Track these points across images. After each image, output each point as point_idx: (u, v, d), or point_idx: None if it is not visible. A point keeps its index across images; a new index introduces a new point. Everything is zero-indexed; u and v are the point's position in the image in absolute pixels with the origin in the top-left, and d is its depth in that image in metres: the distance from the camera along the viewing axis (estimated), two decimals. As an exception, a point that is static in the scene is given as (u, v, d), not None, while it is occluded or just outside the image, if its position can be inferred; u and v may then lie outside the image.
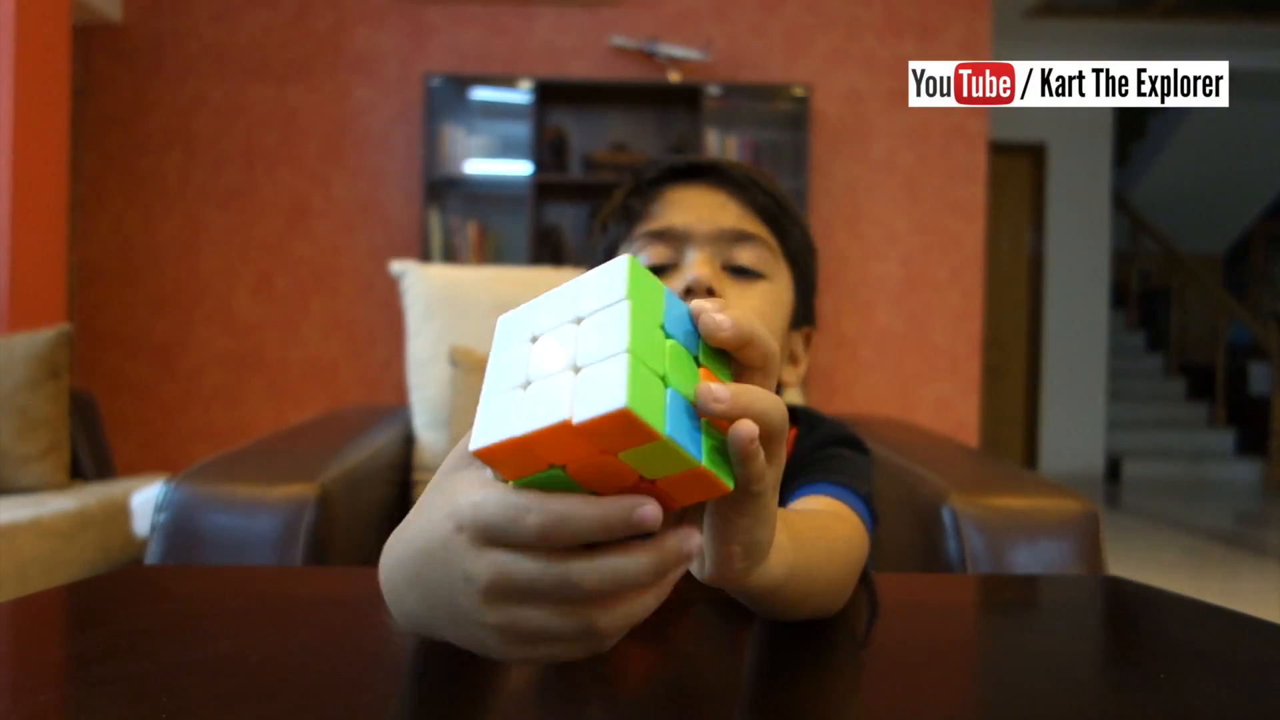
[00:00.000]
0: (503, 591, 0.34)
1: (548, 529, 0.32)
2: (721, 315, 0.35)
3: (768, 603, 0.49)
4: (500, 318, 0.37)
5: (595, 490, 0.33)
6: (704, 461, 0.32)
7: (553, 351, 0.33)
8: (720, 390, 0.33)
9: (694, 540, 0.33)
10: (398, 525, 0.44)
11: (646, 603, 0.34)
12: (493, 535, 0.33)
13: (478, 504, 0.33)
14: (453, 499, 0.35)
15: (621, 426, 0.30)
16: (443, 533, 0.36)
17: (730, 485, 0.34)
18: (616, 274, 0.33)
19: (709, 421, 0.33)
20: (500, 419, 0.33)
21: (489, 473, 0.35)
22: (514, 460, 0.33)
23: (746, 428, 0.33)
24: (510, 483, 0.34)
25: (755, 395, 0.34)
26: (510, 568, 0.33)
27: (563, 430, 0.31)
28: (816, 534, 0.53)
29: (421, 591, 0.39)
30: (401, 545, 0.41)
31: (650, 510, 0.31)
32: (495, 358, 0.36)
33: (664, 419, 0.31)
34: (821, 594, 0.53)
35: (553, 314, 0.35)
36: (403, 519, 0.44)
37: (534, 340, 0.35)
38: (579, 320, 0.33)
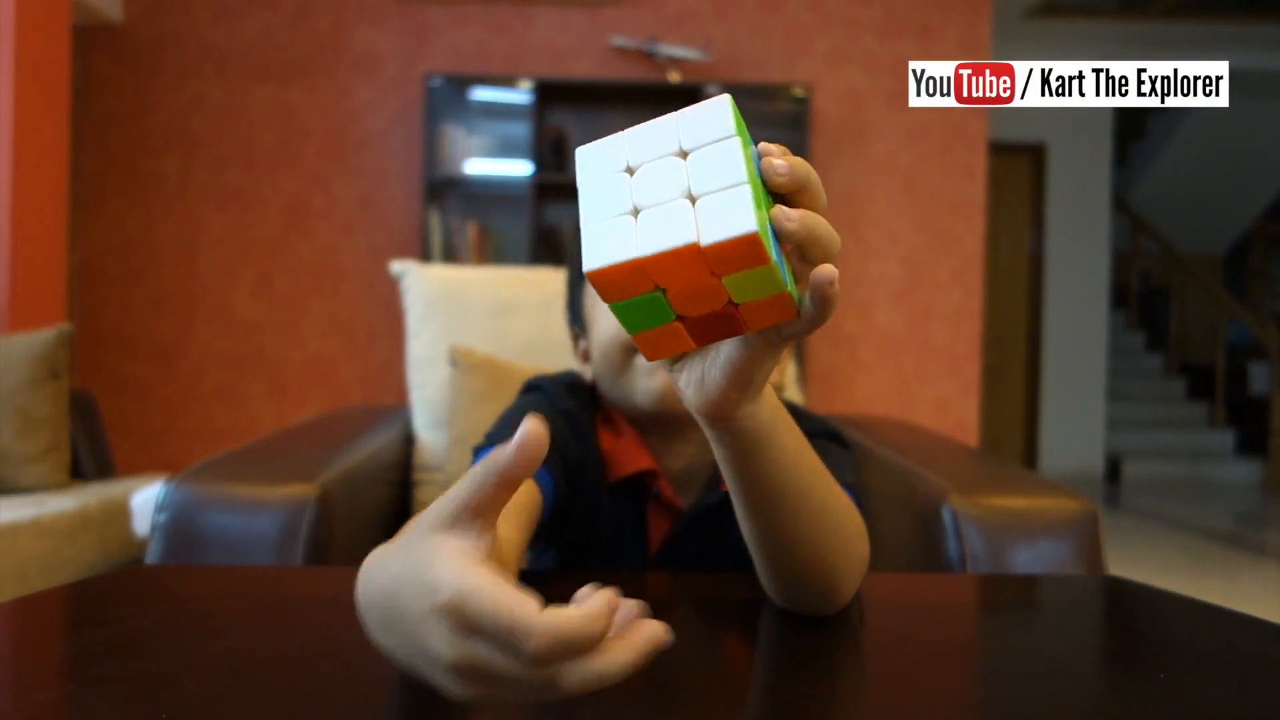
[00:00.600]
0: (474, 675, 0.33)
1: (542, 653, 0.30)
2: (780, 160, 0.37)
3: (760, 493, 0.49)
4: (579, 151, 0.38)
5: (684, 313, 0.36)
6: (789, 288, 0.36)
7: (659, 181, 0.35)
8: (792, 211, 0.36)
9: (669, 636, 0.33)
10: (391, 535, 0.43)
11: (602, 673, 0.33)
12: (477, 630, 0.31)
13: (465, 595, 0.31)
14: (435, 572, 0.33)
15: (744, 250, 0.33)
16: (420, 607, 0.34)
17: (798, 313, 0.38)
18: (721, 111, 0.36)
19: (785, 253, 0.37)
20: (612, 243, 0.35)
21: (474, 542, 0.35)
22: (623, 282, 0.35)
23: (828, 271, 0.36)
24: (609, 304, 0.36)
25: (820, 220, 0.37)
26: (489, 663, 0.32)
27: (687, 253, 0.33)
28: (821, 472, 0.53)
29: (389, 638, 0.38)
30: (378, 588, 0.39)
31: (663, 634, 0.33)
32: (586, 188, 0.37)
33: (770, 245, 0.34)
34: (820, 534, 0.52)
35: (648, 148, 0.36)
36: (402, 524, 0.43)
37: (630, 171, 0.36)
38: (684, 153, 0.35)
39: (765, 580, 0.57)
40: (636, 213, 0.35)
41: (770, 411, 0.47)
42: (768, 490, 0.50)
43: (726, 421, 0.45)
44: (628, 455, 0.76)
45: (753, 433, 0.46)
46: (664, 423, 0.77)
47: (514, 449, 0.34)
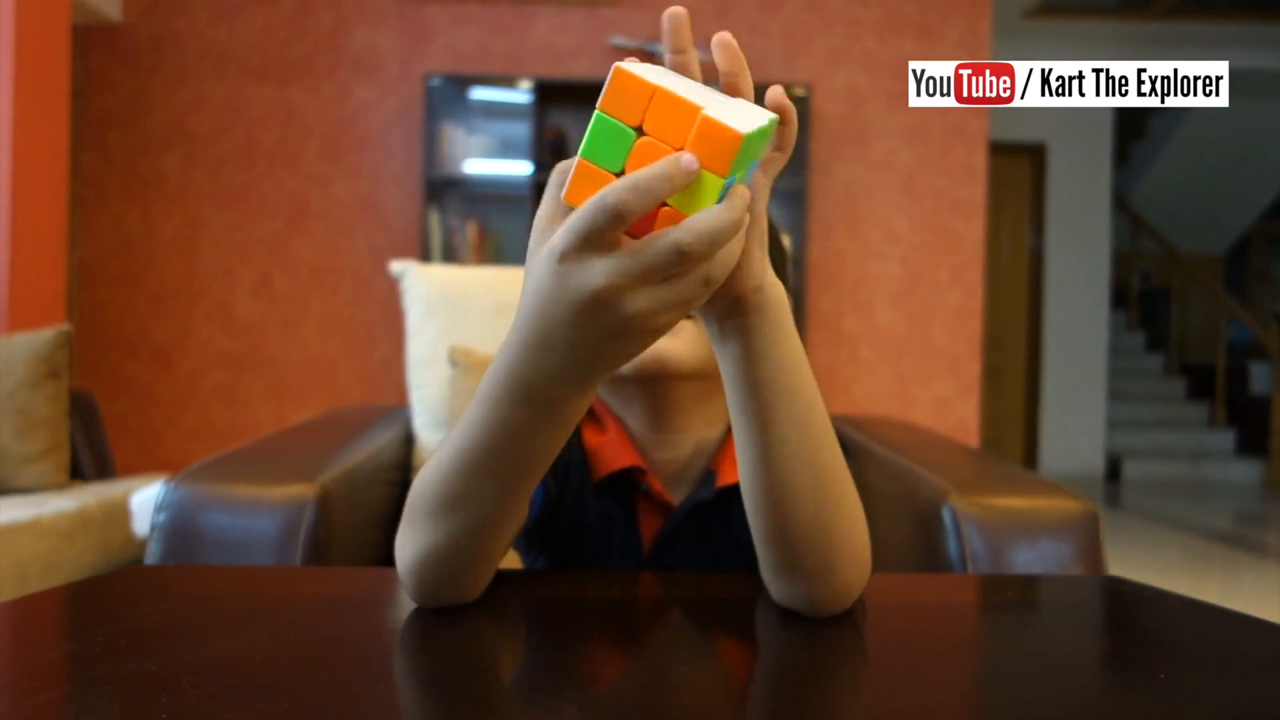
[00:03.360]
0: (626, 285, 0.40)
1: (625, 199, 0.38)
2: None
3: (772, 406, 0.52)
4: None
5: (626, 171, 0.41)
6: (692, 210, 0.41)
7: (691, 88, 0.43)
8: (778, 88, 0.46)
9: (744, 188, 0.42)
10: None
11: (736, 247, 0.43)
12: (590, 237, 0.39)
13: (562, 230, 0.40)
14: (542, 252, 0.42)
15: (725, 144, 0.39)
16: (547, 272, 0.41)
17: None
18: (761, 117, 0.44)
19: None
20: (642, 70, 0.40)
21: (560, 214, 0.43)
22: (628, 98, 0.40)
23: (786, 101, 0.45)
24: (599, 110, 0.40)
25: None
26: (623, 262, 0.40)
27: (688, 110, 0.39)
28: (819, 400, 0.55)
29: (556, 346, 0.43)
30: (516, 332, 0.45)
31: (688, 158, 0.39)
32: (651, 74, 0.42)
33: (726, 181, 0.41)
34: (821, 468, 0.54)
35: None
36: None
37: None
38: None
39: (763, 549, 0.56)
40: (722, 107, 0.41)
41: (783, 293, 0.52)
42: (780, 383, 0.52)
43: (759, 293, 0.49)
44: (613, 452, 0.75)
45: (776, 304, 0.50)
46: (651, 408, 0.75)
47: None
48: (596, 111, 0.40)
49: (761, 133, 0.42)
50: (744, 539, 0.75)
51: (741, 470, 0.55)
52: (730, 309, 0.49)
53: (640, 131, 0.40)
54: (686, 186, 0.39)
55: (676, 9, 0.44)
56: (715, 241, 0.40)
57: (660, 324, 0.42)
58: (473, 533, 0.54)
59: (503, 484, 0.52)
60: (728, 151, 0.39)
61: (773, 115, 0.44)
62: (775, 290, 0.50)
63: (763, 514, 0.55)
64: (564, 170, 0.43)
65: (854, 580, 0.56)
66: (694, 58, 0.45)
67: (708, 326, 0.51)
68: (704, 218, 0.39)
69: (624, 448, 0.75)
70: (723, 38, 0.44)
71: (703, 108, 0.39)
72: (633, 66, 0.41)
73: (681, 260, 0.40)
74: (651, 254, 0.40)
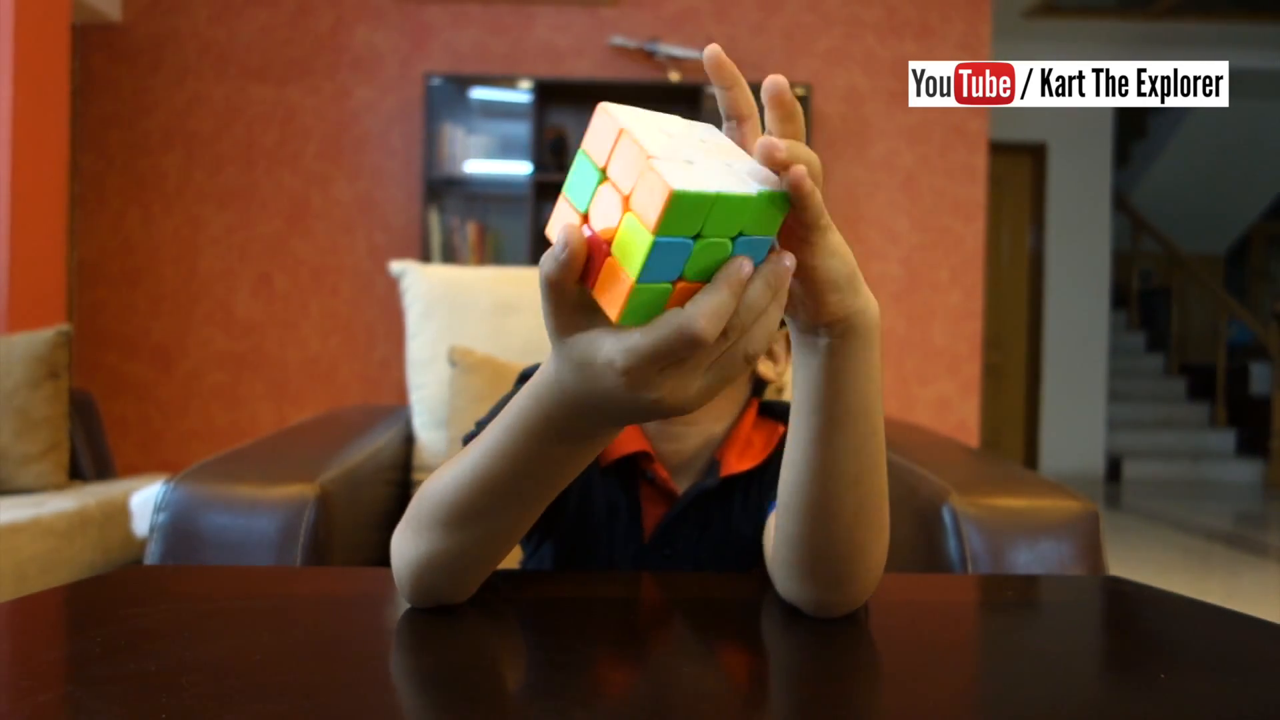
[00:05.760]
0: (685, 377, 0.40)
1: (710, 326, 0.38)
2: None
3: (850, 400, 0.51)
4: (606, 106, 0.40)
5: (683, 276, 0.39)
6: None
7: (698, 150, 0.40)
8: (779, 142, 0.40)
9: (789, 258, 0.41)
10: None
11: (773, 316, 0.42)
12: (663, 360, 0.39)
13: (629, 349, 0.39)
14: (592, 354, 0.41)
15: (657, 192, 0.36)
16: (607, 383, 0.41)
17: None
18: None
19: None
20: (684, 175, 0.37)
21: (595, 330, 0.41)
22: (600, 143, 0.38)
23: (797, 170, 0.40)
24: (658, 234, 0.37)
25: (802, 146, 0.42)
26: (684, 372, 0.40)
27: (742, 200, 0.38)
28: (881, 429, 0.54)
29: (605, 411, 0.43)
30: (557, 388, 0.45)
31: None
32: (633, 130, 0.38)
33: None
34: (867, 489, 0.53)
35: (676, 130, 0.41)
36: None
37: (668, 135, 0.40)
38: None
39: (785, 549, 0.56)
40: (691, 162, 0.38)
41: (876, 318, 0.50)
42: (852, 405, 0.51)
43: (845, 322, 0.48)
44: (621, 437, 0.76)
45: (866, 330, 0.49)
46: None
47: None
48: (579, 149, 0.39)
49: (745, 200, 0.38)
50: (744, 531, 0.75)
51: (785, 474, 0.55)
52: (815, 329, 0.49)
53: (605, 175, 0.38)
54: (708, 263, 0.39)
55: (713, 47, 0.42)
56: (748, 314, 0.40)
57: (702, 400, 0.42)
58: (481, 545, 0.54)
59: (521, 505, 0.52)
60: (657, 203, 0.36)
61: (781, 191, 0.40)
62: (867, 317, 0.49)
63: (798, 520, 0.55)
64: (556, 274, 0.40)
65: (867, 589, 0.57)
66: (745, 92, 0.43)
67: (791, 330, 0.51)
68: (707, 300, 0.38)
69: (632, 433, 0.76)
70: (778, 83, 0.42)
71: (654, 156, 0.36)
72: (629, 115, 0.39)
73: (727, 343, 0.40)
74: (703, 356, 0.40)
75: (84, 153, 3.59)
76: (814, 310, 0.47)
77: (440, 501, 0.53)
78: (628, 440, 0.76)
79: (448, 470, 0.53)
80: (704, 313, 0.38)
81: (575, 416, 0.45)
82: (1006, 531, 0.89)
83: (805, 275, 0.45)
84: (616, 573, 0.75)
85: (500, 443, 0.49)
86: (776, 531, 0.57)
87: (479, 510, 0.52)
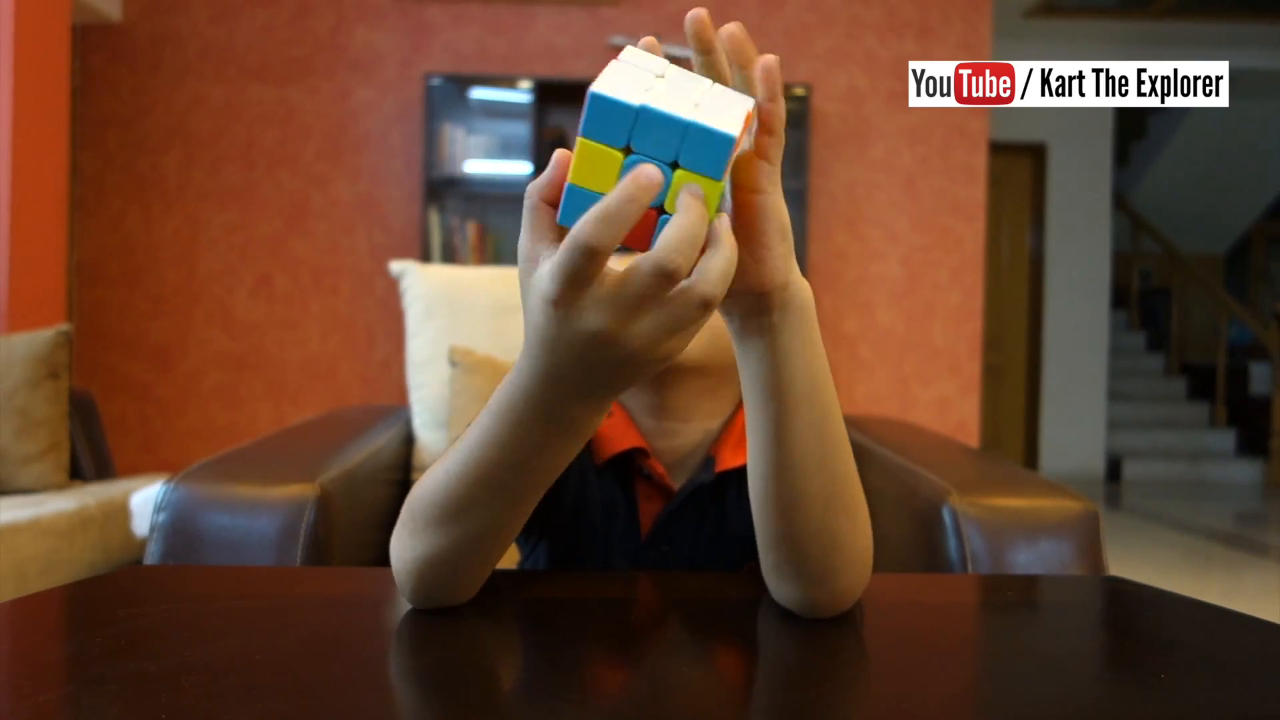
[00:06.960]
0: (622, 321, 0.40)
1: (597, 232, 0.37)
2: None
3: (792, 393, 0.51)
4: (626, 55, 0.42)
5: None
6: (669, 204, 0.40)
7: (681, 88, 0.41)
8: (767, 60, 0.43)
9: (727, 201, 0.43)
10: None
11: (727, 255, 0.41)
12: (575, 279, 0.39)
13: (548, 275, 0.40)
14: (534, 295, 0.42)
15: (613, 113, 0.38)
16: (545, 317, 0.41)
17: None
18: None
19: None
20: (627, 87, 0.39)
21: (540, 247, 0.42)
22: (608, 125, 0.39)
23: (768, 59, 0.42)
24: (582, 136, 0.39)
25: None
26: (613, 299, 0.40)
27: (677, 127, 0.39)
28: (836, 403, 0.54)
29: (568, 377, 0.44)
30: (528, 358, 0.45)
31: (649, 168, 0.38)
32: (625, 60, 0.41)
33: (714, 207, 0.41)
34: (832, 473, 0.53)
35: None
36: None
37: (661, 77, 0.41)
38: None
39: (766, 550, 0.56)
40: (649, 89, 0.40)
41: (810, 294, 0.51)
42: (801, 386, 0.51)
43: (784, 290, 0.48)
44: (616, 434, 0.76)
45: (802, 305, 0.49)
46: (655, 400, 0.76)
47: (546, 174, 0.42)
48: (580, 138, 0.40)
49: (678, 124, 0.39)
50: (739, 525, 0.75)
51: (752, 468, 0.55)
52: (754, 306, 0.49)
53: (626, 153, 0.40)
54: (649, 189, 0.38)
55: (697, 10, 0.43)
56: (694, 246, 0.39)
57: (666, 351, 0.42)
58: (477, 541, 0.54)
59: (513, 497, 0.52)
60: (719, 161, 0.38)
61: (730, 133, 0.41)
62: (802, 291, 0.50)
63: (770, 516, 0.55)
64: (534, 192, 0.42)
65: (855, 584, 0.56)
66: (722, 59, 0.44)
67: (729, 323, 0.51)
68: (671, 230, 0.38)
69: (628, 430, 0.76)
70: (697, 16, 0.44)
71: (622, 62, 0.39)
72: (624, 68, 0.40)
73: (669, 278, 0.39)
74: (636, 284, 0.39)
75: (84, 153, 3.59)
76: (755, 275, 0.47)
77: (431, 500, 0.53)
78: (623, 437, 0.76)
79: (438, 467, 0.54)
80: (591, 217, 0.38)
81: (547, 385, 0.45)
82: (1006, 531, 0.89)
83: (749, 232, 0.46)
84: (614, 573, 0.75)
85: (485, 432, 0.49)
86: (757, 534, 0.57)
87: (469, 504, 0.52)
